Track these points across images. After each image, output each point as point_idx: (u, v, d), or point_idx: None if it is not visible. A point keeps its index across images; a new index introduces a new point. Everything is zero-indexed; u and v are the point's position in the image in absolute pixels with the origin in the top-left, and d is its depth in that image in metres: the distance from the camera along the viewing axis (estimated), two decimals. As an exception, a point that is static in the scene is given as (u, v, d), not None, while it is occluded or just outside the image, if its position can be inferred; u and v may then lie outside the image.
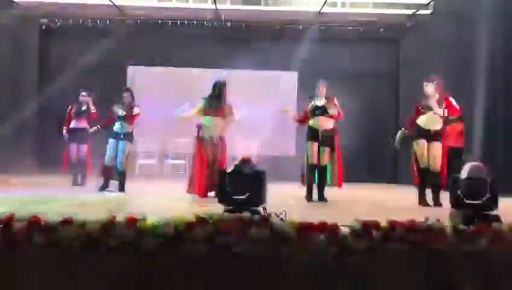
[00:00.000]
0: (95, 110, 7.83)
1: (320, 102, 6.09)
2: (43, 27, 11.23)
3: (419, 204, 5.73)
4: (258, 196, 2.94)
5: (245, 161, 3.14)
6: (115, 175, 6.74)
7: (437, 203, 5.63)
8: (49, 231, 2.63)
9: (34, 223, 2.66)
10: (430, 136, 5.81)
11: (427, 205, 5.64)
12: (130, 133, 6.91)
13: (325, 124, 6.04)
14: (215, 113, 6.17)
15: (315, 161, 5.97)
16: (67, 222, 2.65)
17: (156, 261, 2.69)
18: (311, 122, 6.12)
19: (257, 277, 2.68)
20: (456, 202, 3.15)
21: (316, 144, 6.00)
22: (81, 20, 10.99)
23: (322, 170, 6.00)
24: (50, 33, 11.30)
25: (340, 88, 10.27)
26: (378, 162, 10.42)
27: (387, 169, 10.73)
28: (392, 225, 2.79)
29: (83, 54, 10.68)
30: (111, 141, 6.83)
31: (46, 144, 10.73)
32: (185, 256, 2.69)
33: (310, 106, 6.17)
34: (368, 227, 2.76)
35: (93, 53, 10.66)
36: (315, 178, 6.03)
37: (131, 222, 2.66)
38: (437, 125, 5.85)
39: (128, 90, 7.16)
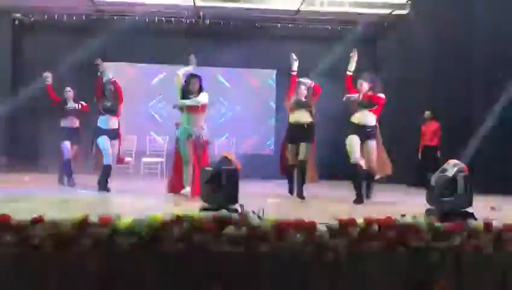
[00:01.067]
0: (85, 104, 7.48)
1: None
2: (16, 22, 10.96)
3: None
4: (232, 194, 2.91)
5: (224, 159, 3.11)
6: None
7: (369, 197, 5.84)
8: (19, 230, 2.56)
9: (3, 222, 2.57)
10: (364, 133, 5.79)
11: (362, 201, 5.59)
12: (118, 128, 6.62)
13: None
14: (192, 109, 5.85)
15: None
16: (38, 221, 2.58)
17: (130, 261, 2.64)
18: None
19: (234, 276, 2.66)
20: (432, 199, 3.18)
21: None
22: (56, 16, 10.77)
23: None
24: (23, 28, 11.05)
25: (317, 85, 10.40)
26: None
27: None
28: (369, 222, 2.80)
29: (57, 50, 10.47)
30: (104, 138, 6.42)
31: (19, 141, 10.52)
32: (160, 255, 2.65)
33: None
34: (344, 224, 2.76)
35: (69, 49, 10.45)
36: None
37: (105, 221, 2.61)
38: (371, 122, 5.84)
39: (115, 82, 6.71)
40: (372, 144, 5.83)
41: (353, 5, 10.41)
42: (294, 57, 6.41)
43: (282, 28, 10.97)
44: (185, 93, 5.86)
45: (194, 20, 11.02)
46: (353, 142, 5.72)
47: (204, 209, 2.95)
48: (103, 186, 6.30)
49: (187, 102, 5.77)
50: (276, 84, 11.38)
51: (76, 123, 7.46)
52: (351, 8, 10.44)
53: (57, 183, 7.24)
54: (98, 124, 6.50)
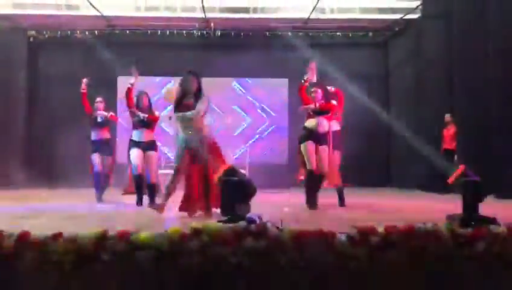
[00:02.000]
0: (113, 113, 7.26)
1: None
2: (31, 39, 11.14)
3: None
4: (245, 205, 2.89)
5: (230, 170, 3.10)
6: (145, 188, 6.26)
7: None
8: (39, 247, 2.56)
9: (23, 239, 2.58)
10: (318, 138, 5.80)
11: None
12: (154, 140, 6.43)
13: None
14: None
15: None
16: (57, 237, 2.59)
17: (150, 274, 2.63)
18: None
19: (254, 288, 2.63)
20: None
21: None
22: (69, 32, 10.93)
23: None
24: (38, 45, 11.22)
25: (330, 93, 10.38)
26: (369, 165, 10.41)
27: (378, 172, 10.72)
28: (390, 230, 2.75)
29: (71, 65, 10.62)
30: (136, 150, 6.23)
31: (35, 156, 10.63)
32: (179, 269, 2.64)
33: None
34: (365, 233, 2.72)
35: (82, 64, 10.60)
36: None
37: (124, 235, 2.60)
38: (324, 128, 5.85)
39: (145, 93, 6.45)
40: (325, 149, 5.82)
41: (363, 12, 10.40)
42: (312, 66, 6.14)
43: (293, 37, 10.98)
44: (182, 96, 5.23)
45: (205, 32, 11.10)
46: (308, 148, 5.76)
47: (222, 221, 2.93)
48: (138, 200, 6.21)
49: (188, 114, 5.05)
50: (288, 92, 11.37)
51: (106, 134, 7.14)
52: (361, 14, 10.43)
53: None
54: (132, 138, 6.33)
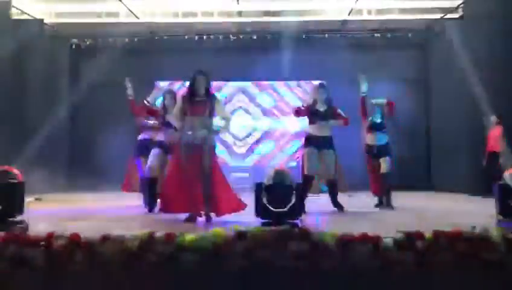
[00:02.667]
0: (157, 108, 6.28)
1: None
2: (73, 46, 11.49)
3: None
4: (296, 208, 2.87)
5: (280, 173, 3.09)
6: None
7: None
8: (89, 248, 2.63)
9: (74, 240, 2.66)
10: (321, 143, 5.76)
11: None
12: None
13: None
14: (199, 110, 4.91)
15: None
16: (105, 238, 2.65)
17: (195, 277, 2.66)
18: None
19: (299, 291, 2.62)
20: (505, 211, 3.02)
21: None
22: (109, 39, 11.21)
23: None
24: (80, 52, 11.56)
25: (368, 95, 10.24)
26: (410, 169, 10.18)
27: (420, 176, 10.49)
28: (437, 235, 2.68)
29: (112, 71, 10.88)
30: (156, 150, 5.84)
31: (78, 161, 10.94)
32: (224, 271, 2.65)
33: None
34: (411, 238, 2.66)
35: (122, 70, 10.83)
36: None
37: (170, 237, 2.64)
38: (327, 132, 5.82)
39: (172, 91, 6.11)
40: (330, 152, 5.80)
41: (402, 12, 10.23)
42: (363, 77, 6.24)
43: (329, 39, 10.91)
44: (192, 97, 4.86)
45: (241, 36, 11.16)
46: (310, 154, 5.76)
47: (265, 223, 2.93)
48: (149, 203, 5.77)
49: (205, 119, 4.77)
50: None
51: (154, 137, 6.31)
52: (400, 15, 10.26)
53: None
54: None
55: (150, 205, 5.75)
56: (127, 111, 9.04)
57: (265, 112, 11.42)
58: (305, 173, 5.74)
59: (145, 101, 6.07)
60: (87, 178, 9.88)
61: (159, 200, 5.41)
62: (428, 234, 2.70)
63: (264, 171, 10.41)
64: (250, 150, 11.34)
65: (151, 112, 6.05)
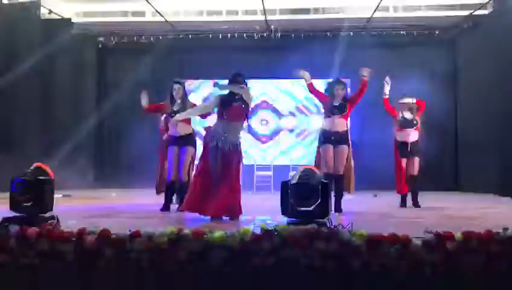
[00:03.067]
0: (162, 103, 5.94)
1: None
2: (100, 45, 11.67)
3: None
4: (324, 207, 2.86)
5: (307, 171, 3.08)
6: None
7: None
8: (119, 245, 2.68)
9: (104, 236, 2.71)
10: (336, 138, 5.51)
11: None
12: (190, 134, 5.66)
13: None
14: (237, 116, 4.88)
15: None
16: (136, 235, 2.69)
17: (223, 273, 2.68)
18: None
19: (326, 291, 2.61)
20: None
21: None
22: (135, 38, 11.35)
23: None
24: (106, 51, 11.73)
25: (395, 93, 10.11)
26: (437, 168, 10.02)
27: (447, 176, 10.31)
28: (468, 235, 2.64)
29: (137, 69, 11.03)
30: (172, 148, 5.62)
31: (104, 158, 11.13)
32: (251, 269, 2.67)
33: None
34: (441, 238, 2.62)
35: (148, 68, 10.99)
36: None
37: (198, 234, 2.66)
38: (343, 127, 5.56)
39: (179, 82, 5.71)
40: (343, 148, 5.53)
41: (429, 9, 10.07)
42: (387, 80, 6.21)
43: (354, 36, 10.81)
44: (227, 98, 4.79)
45: (265, 34, 11.16)
46: (325, 150, 5.53)
47: (291, 222, 2.93)
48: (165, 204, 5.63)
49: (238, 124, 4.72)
50: (351, 93, 11.19)
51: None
52: (427, 12, 10.10)
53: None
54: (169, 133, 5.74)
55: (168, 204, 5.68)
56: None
57: (290, 110, 11.40)
58: (324, 171, 5.42)
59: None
60: (115, 175, 10.08)
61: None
62: (458, 235, 2.66)
63: (287, 170, 10.49)
64: (274, 148, 11.33)
65: (158, 108, 5.93)
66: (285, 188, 3.09)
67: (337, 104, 5.57)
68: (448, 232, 2.66)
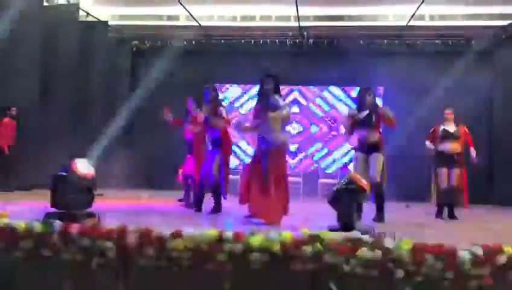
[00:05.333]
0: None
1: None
2: (134, 48, 11.83)
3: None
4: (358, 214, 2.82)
5: (353, 179, 3.04)
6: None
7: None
8: (160, 243, 2.69)
9: (146, 234, 2.72)
10: (368, 148, 5.53)
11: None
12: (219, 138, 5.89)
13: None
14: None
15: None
16: (177, 235, 2.70)
17: (263, 277, 2.66)
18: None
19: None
20: None
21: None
22: (168, 42, 11.47)
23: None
24: (140, 54, 11.88)
25: (429, 103, 9.93)
26: (471, 181, 9.76)
27: (481, 189, 10.04)
28: (518, 250, 2.55)
29: (170, 72, 11.14)
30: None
31: (135, 159, 11.23)
32: (291, 274, 2.64)
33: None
34: (490, 251, 2.54)
35: (180, 71, 11.09)
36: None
37: (239, 237, 2.65)
38: (373, 138, 5.55)
39: (209, 88, 6.26)
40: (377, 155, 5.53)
41: (466, 18, 9.88)
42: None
43: (388, 44, 10.69)
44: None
45: (298, 40, 11.13)
46: (356, 158, 5.67)
47: (333, 229, 2.89)
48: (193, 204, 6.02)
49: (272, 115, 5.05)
50: (383, 101, 11.06)
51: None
52: (463, 21, 9.91)
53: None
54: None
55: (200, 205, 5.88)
56: (183, 112, 9.29)
57: (321, 117, 11.33)
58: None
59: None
60: (145, 176, 10.18)
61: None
62: (508, 249, 2.57)
63: (316, 176, 10.42)
64: (304, 154, 11.27)
65: (178, 121, 6.78)
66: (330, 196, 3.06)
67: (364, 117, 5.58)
68: (497, 245, 2.58)
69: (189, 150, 6.69)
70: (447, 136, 6.27)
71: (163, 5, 10.28)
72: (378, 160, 5.47)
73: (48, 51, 9.15)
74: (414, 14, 9.53)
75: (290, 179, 8.01)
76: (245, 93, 11.63)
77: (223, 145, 5.85)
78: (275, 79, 5.16)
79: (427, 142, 6.50)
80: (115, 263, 2.77)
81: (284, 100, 5.53)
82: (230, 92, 11.64)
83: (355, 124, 5.59)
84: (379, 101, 11.07)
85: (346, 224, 2.79)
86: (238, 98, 11.60)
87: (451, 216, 6.03)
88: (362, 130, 5.55)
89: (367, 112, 5.56)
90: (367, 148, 5.51)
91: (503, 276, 2.56)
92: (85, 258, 2.80)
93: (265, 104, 5.07)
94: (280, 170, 5.00)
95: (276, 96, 5.11)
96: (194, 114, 6.31)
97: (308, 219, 5.63)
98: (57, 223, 2.87)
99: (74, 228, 2.86)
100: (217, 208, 5.74)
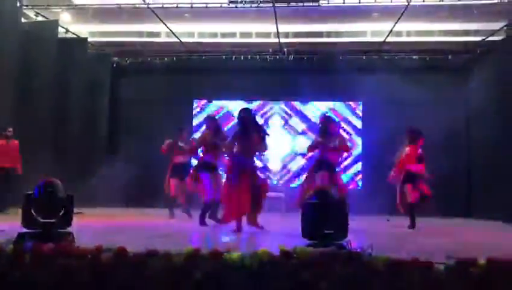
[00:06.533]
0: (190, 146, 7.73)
1: None
2: (115, 65, 11.79)
3: None
4: (342, 228, 2.82)
5: (325, 192, 3.05)
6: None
7: None
8: (135, 263, 2.64)
9: (121, 254, 2.68)
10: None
11: None
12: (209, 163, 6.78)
13: None
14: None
15: None
16: (152, 254, 2.65)
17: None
18: None
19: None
20: None
21: None
22: (149, 58, 11.47)
23: None
24: (120, 70, 11.83)
25: (406, 117, 10.07)
26: (449, 194, 9.89)
27: (459, 202, 10.17)
28: (493, 262, 2.57)
29: (151, 89, 11.12)
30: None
31: (115, 176, 11.10)
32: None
33: None
34: (465, 264, 2.56)
35: (161, 88, 11.08)
36: None
37: (216, 254, 2.62)
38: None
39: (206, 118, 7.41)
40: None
41: (442, 34, 10.10)
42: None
43: (367, 60, 10.85)
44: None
45: (278, 56, 11.23)
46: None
47: (310, 245, 2.88)
48: (200, 220, 6.49)
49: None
50: (362, 116, 11.18)
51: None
52: (440, 37, 10.13)
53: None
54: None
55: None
56: (164, 128, 9.29)
57: (301, 132, 11.38)
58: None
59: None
60: (125, 193, 10.05)
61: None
62: (482, 261, 2.59)
63: (297, 192, 10.41)
64: (286, 170, 11.29)
65: (191, 151, 7.60)
66: (306, 210, 3.06)
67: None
68: (472, 258, 2.60)
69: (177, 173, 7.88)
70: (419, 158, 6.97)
71: (143, 21, 10.29)
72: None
73: (26, 68, 9.05)
74: (391, 30, 9.70)
75: (272, 194, 8.13)
76: (228, 112, 11.63)
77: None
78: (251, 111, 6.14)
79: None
80: (90, 283, 2.71)
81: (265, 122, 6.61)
82: (211, 109, 11.63)
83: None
84: (358, 116, 11.21)
85: (322, 239, 2.78)
86: (223, 118, 11.59)
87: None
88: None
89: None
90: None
91: (478, 288, 2.58)
92: (58, 279, 2.73)
93: (248, 130, 5.86)
94: (259, 184, 5.89)
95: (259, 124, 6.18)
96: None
97: (290, 235, 5.62)
98: (29, 244, 2.80)
99: (47, 248, 2.80)
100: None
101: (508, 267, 2.55)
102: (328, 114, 8.06)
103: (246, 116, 5.92)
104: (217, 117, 8.40)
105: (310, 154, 7.30)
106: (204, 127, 7.44)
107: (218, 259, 2.60)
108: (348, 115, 11.30)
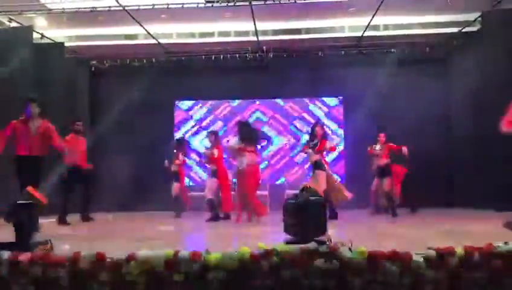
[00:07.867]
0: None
1: None
2: (93, 68, 11.66)
3: None
4: (321, 225, 2.82)
5: (307, 189, 3.05)
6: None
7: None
8: (114, 268, 2.62)
9: (99, 259, 2.65)
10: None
11: None
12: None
13: None
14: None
15: None
16: (131, 258, 2.63)
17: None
18: None
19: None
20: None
21: None
22: (128, 60, 11.36)
23: None
24: (99, 74, 11.71)
25: (387, 111, 10.15)
26: (431, 185, 10.00)
27: (441, 192, 10.28)
28: (469, 251, 2.61)
29: (130, 91, 11.01)
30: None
31: (96, 181, 11.00)
32: (250, 289, 2.61)
33: None
34: (443, 254, 2.59)
35: (141, 90, 10.98)
36: None
37: (196, 256, 2.61)
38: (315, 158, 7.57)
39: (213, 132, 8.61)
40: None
41: (419, 27, 10.19)
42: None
43: (346, 55, 10.90)
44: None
45: (258, 54, 11.22)
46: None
47: (290, 242, 2.88)
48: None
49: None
50: (343, 111, 11.23)
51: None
52: (417, 29, 10.22)
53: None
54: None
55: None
56: (146, 132, 9.20)
57: (283, 129, 11.40)
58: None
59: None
60: (106, 198, 9.96)
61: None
62: (459, 250, 2.62)
63: (281, 189, 10.43)
64: (269, 167, 11.29)
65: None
66: (287, 207, 3.06)
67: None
68: (450, 248, 2.63)
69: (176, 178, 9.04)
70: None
71: (120, 24, 10.19)
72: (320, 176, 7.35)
73: (2, 76, 8.89)
74: (368, 24, 9.76)
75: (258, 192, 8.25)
76: (210, 112, 11.59)
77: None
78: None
79: None
80: (69, 290, 2.68)
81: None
82: (197, 113, 11.58)
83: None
84: (339, 110, 11.27)
85: (302, 236, 2.79)
86: (205, 118, 11.55)
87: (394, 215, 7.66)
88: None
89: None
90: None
91: (457, 277, 2.61)
92: (36, 288, 2.69)
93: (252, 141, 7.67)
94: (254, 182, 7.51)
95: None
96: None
97: (273, 232, 5.63)
98: (5, 253, 2.76)
99: (24, 257, 2.76)
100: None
101: (485, 255, 2.58)
102: (319, 120, 9.13)
103: (247, 128, 7.70)
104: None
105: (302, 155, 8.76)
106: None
107: (199, 261, 2.58)
108: (330, 110, 11.34)
